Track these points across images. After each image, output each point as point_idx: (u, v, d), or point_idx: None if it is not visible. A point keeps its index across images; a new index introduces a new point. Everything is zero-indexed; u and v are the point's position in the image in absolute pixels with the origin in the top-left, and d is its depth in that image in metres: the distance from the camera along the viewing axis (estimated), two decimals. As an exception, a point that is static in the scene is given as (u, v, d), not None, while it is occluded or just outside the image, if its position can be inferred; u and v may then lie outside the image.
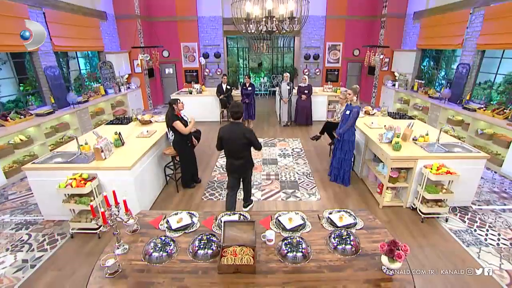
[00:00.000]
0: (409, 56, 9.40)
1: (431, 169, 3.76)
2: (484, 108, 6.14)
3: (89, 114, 7.45)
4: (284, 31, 3.59)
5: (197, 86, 8.99)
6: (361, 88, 11.70)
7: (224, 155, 3.87)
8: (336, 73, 11.50)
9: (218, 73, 11.38)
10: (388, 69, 10.28)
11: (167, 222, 2.63)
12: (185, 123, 4.44)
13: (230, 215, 2.72)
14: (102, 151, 3.79)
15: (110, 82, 9.08)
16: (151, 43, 10.38)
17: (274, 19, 3.40)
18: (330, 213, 2.73)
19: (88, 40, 8.05)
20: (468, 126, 6.24)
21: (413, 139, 4.42)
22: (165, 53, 11.03)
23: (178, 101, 4.44)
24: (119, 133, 4.36)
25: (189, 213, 2.76)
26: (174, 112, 4.30)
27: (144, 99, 10.54)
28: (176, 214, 2.74)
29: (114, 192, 2.27)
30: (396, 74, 10.15)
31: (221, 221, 2.59)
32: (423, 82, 8.97)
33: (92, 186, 3.48)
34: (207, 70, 11.32)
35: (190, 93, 8.86)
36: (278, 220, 2.62)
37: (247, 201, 4.19)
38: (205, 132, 7.89)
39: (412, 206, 4.14)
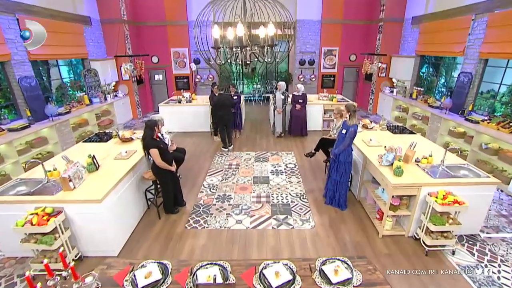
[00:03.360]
0: (407, 62, 9.07)
1: (437, 197, 3.40)
2: (488, 121, 5.81)
3: (71, 127, 7.01)
4: (265, 60, 3.11)
5: (186, 94, 8.57)
6: (358, 95, 11.40)
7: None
8: (332, 79, 11.15)
9: (210, 79, 10.98)
10: (385, 75, 9.94)
11: (134, 276, 2.23)
12: (165, 146, 4.05)
13: (207, 267, 2.32)
14: (70, 180, 3.38)
15: (95, 90, 8.64)
16: (139, 48, 9.95)
17: (249, 48, 2.93)
18: (324, 263, 2.34)
19: (70, 47, 7.60)
20: (471, 139, 5.90)
21: (415, 161, 4.06)
22: (155, 59, 10.61)
23: (159, 123, 4.01)
24: (93, 156, 3.95)
25: (160, 264, 2.36)
26: (153, 135, 3.88)
27: (132, 107, 10.11)
28: (145, 266, 2.33)
29: (61, 255, 1.86)
30: (394, 80, 9.82)
31: (196, 276, 2.21)
32: (422, 89, 8.64)
33: (56, 222, 3.06)
34: (198, 76, 10.92)
35: (180, 102, 8.44)
36: (263, 274, 2.23)
37: (230, 141, 7.00)
38: (194, 145, 7.51)
39: (414, 236, 3.78)
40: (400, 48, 9.71)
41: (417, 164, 4.00)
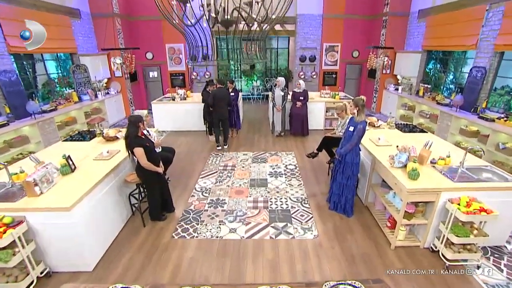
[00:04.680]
0: (413, 58, 8.62)
1: (459, 204, 2.95)
2: (505, 118, 5.36)
3: (56, 125, 6.56)
4: (254, 22, 2.48)
5: (181, 92, 8.12)
6: (360, 93, 10.93)
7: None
8: (334, 76, 10.71)
9: (207, 76, 10.53)
10: (390, 72, 9.49)
11: (95, 307, 1.78)
12: (152, 145, 3.60)
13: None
14: (36, 184, 2.93)
15: (85, 87, 8.19)
16: (132, 44, 9.50)
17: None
18: (333, 290, 1.89)
19: (56, 40, 7.12)
20: (486, 139, 5.45)
21: (431, 162, 3.61)
22: (149, 55, 10.17)
23: (144, 118, 3.57)
24: (68, 157, 3.50)
25: (130, 290, 1.91)
26: (138, 132, 3.43)
27: (125, 105, 9.65)
28: (111, 293, 1.88)
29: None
30: (398, 77, 9.37)
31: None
32: (429, 86, 8.19)
33: (15, 235, 2.60)
34: (194, 73, 10.47)
35: (173, 99, 7.99)
36: (257, 306, 1.78)
37: (225, 141, 6.66)
38: (188, 144, 7.07)
39: (431, 248, 3.32)
40: (406, 44, 9.25)
41: (433, 166, 3.54)
